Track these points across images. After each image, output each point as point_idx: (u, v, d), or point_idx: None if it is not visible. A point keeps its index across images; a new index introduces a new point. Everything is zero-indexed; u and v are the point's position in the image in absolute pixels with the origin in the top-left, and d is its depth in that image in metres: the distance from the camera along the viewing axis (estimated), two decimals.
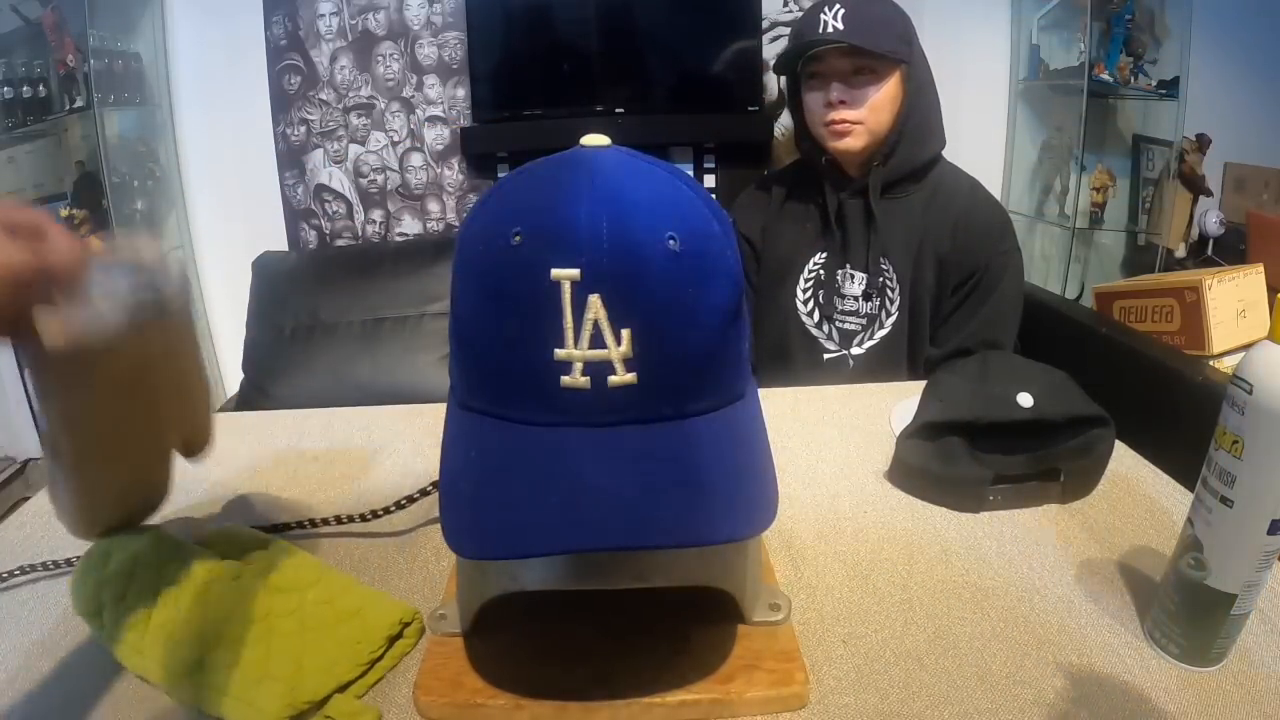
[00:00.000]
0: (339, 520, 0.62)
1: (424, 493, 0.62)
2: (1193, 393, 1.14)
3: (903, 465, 0.67)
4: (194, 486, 0.71)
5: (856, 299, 1.13)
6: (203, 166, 2.11)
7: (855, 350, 1.14)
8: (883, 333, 1.12)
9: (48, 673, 0.48)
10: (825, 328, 1.15)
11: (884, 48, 1.03)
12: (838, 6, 1.02)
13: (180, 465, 0.75)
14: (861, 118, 1.06)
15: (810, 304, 1.15)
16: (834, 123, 1.07)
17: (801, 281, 1.16)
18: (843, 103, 1.06)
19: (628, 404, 0.37)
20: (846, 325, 1.14)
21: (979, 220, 1.10)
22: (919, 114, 1.08)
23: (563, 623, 0.48)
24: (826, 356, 1.16)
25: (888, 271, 1.10)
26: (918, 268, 1.10)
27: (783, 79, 1.22)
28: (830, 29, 1.02)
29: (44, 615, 0.53)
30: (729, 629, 0.48)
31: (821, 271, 1.14)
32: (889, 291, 1.11)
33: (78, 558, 0.56)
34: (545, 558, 0.46)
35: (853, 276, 1.12)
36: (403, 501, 0.62)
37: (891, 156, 1.08)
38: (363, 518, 0.61)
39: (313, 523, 0.62)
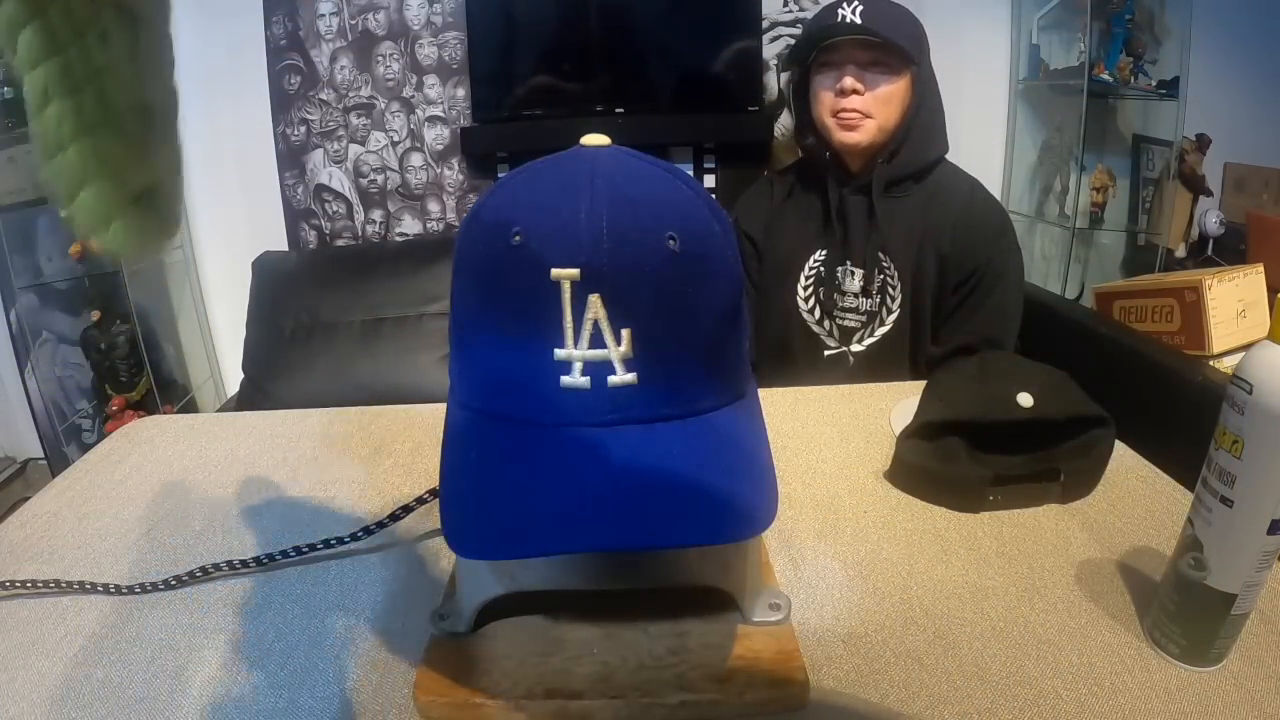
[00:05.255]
0: (328, 544, 0.59)
1: (421, 501, 0.61)
2: (1193, 393, 1.14)
3: (903, 465, 0.67)
4: (193, 488, 0.71)
5: (856, 295, 1.13)
6: (203, 166, 2.11)
7: (855, 347, 1.14)
8: (883, 330, 1.13)
9: (14, 692, 0.48)
10: (826, 324, 1.16)
11: (899, 41, 1.04)
12: (856, 3, 1.04)
13: (177, 467, 0.75)
14: (872, 110, 1.07)
15: (811, 300, 1.16)
16: (844, 112, 1.07)
17: (802, 278, 1.16)
18: (855, 92, 1.06)
19: (628, 404, 0.37)
20: (846, 322, 1.15)
21: (978, 220, 1.11)
22: (925, 116, 1.09)
23: (563, 623, 0.48)
24: (826, 353, 1.16)
25: (889, 268, 1.10)
26: (919, 265, 1.10)
27: (784, 76, 1.22)
28: (848, 21, 1.04)
29: (25, 634, 0.53)
30: (729, 629, 0.48)
31: (822, 268, 1.14)
32: (890, 289, 1.11)
33: (57, 581, 0.56)
34: (545, 558, 0.46)
35: (853, 273, 1.13)
36: (398, 513, 0.60)
37: (896, 155, 1.09)
38: (354, 537, 0.59)
39: (298, 550, 0.58)
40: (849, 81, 1.06)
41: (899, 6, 1.09)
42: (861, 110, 1.07)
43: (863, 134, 1.08)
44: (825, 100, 1.10)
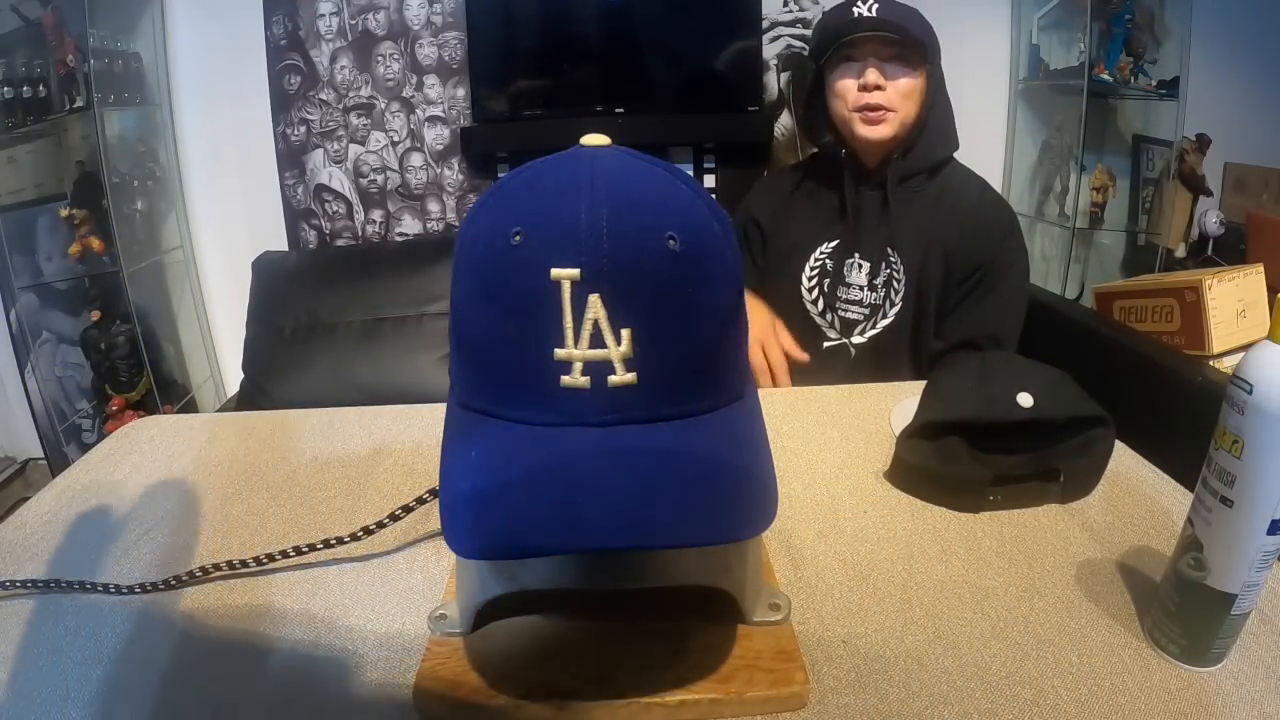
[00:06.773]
0: (327, 544, 0.58)
1: (421, 501, 0.61)
2: (1193, 393, 1.14)
3: (903, 465, 0.67)
4: (193, 488, 0.71)
5: (861, 288, 1.14)
6: (203, 166, 2.11)
7: (856, 339, 1.15)
8: (885, 322, 1.13)
9: (14, 692, 0.48)
10: (828, 315, 1.16)
11: (919, 36, 1.06)
12: (871, 0, 1.05)
13: (177, 467, 0.75)
14: (894, 104, 1.08)
15: (815, 291, 1.16)
16: (868, 107, 1.08)
17: (808, 268, 1.17)
18: (878, 87, 1.07)
19: (628, 404, 0.37)
20: (849, 314, 1.15)
21: (987, 219, 1.12)
22: (939, 113, 1.11)
23: (563, 623, 0.48)
24: (827, 344, 1.17)
25: (895, 263, 1.11)
26: (925, 262, 1.11)
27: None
28: (865, 18, 1.06)
29: (25, 634, 0.53)
30: (729, 629, 0.48)
31: (829, 260, 1.15)
32: (895, 283, 1.12)
33: (57, 581, 0.56)
34: (545, 558, 0.46)
35: (860, 266, 1.13)
36: (398, 513, 0.60)
37: (911, 150, 1.10)
38: (354, 537, 0.59)
39: (298, 550, 0.58)
40: (873, 75, 1.06)
41: (910, 6, 1.10)
42: (885, 104, 1.07)
43: (887, 126, 1.09)
44: (847, 95, 1.10)
